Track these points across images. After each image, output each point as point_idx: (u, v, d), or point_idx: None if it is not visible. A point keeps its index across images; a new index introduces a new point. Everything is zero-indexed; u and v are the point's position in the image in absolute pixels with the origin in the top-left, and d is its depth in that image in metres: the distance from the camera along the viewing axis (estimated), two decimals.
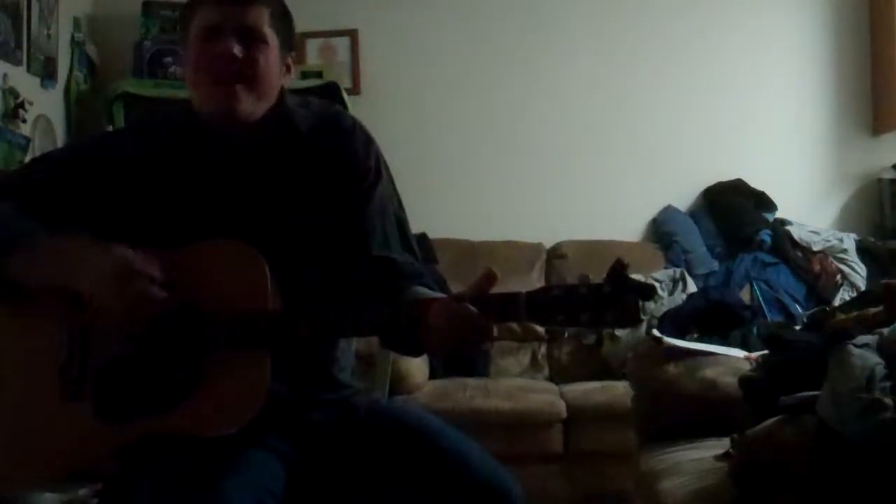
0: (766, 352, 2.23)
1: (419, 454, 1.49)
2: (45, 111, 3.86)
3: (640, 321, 1.37)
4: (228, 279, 1.48)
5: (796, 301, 4.23)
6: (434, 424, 1.56)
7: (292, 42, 1.63)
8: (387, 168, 1.68)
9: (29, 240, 1.48)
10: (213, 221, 1.53)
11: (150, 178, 1.57)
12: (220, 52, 1.51)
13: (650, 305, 4.13)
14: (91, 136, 1.83)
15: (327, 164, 1.61)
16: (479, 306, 1.38)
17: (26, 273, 1.49)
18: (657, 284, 4.20)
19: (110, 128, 4.04)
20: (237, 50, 1.52)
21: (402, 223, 1.68)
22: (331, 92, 4.12)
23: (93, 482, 1.59)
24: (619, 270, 1.34)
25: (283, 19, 1.59)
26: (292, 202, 1.59)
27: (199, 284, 1.48)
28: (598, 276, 1.38)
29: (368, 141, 1.66)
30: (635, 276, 1.37)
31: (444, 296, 1.48)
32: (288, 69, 1.62)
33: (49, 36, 3.91)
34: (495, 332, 1.42)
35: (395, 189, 1.69)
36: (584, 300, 1.33)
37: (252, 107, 1.55)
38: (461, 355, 1.56)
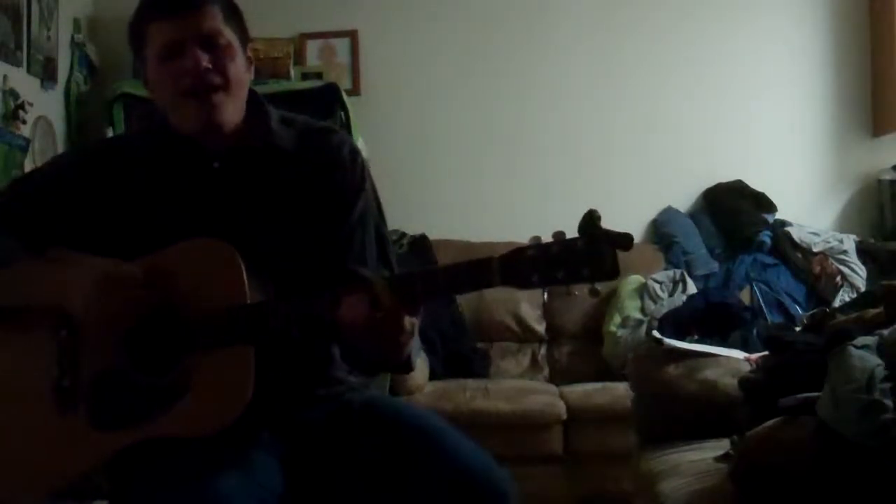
0: (766, 353, 2.23)
1: (414, 450, 1.49)
2: (45, 112, 3.86)
3: (618, 273, 1.30)
4: (205, 278, 1.48)
5: (796, 302, 4.23)
6: (430, 421, 1.56)
7: (247, 36, 1.61)
8: (371, 182, 1.68)
9: (10, 260, 1.50)
10: (192, 233, 1.52)
11: (129, 194, 1.57)
12: (189, 67, 1.50)
13: (651, 306, 4.13)
14: (69, 153, 1.84)
15: (312, 177, 1.61)
16: (449, 277, 1.36)
17: (9, 292, 1.51)
18: (657, 286, 4.20)
19: (110, 129, 4.04)
20: (205, 60, 1.50)
21: (382, 238, 1.67)
22: (330, 93, 4.12)
23: (87, 501, 1.59)
24: (591, 222, 1.30)
25: (235, 15, 1.57)
26: (272, 214, 1.58)
27: (177, 286, 1.48)
28: None
29: (355, 155, 1.66)
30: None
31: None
32: (250, 62, 1.61)
33: (49, 37, 3.91)
34: (411, 324, 1.39)
35: (378, 203, 1.69)
36: (558, 257, 1.29)
37: (232, 113, 1.55)
38: (386, 351, 1.48)
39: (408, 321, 1.39)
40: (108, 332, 1.47)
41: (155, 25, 1.51)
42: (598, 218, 1.30)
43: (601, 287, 1.35)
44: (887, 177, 4.48)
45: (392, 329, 1.39)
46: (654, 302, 4.14)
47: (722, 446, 2.07)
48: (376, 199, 1.69)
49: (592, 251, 1.28)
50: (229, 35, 1.54)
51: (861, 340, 1.75)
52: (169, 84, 1.52)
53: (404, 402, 1.73)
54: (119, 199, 1.57)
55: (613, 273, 1.29)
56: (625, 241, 1.29)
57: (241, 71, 1.55)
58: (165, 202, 1.57)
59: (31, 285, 1.51)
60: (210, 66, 1.50)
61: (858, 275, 4.24)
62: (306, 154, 1.62)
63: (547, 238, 1.33)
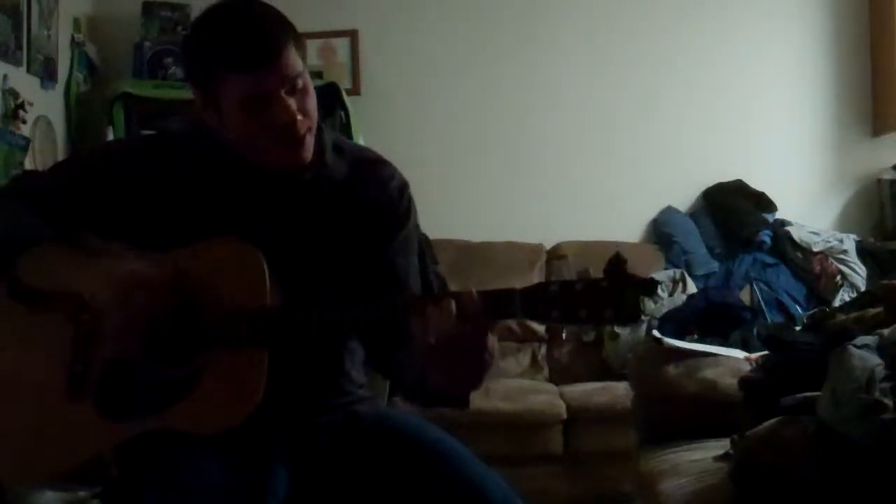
0: (766, 353, 2.23)
1: (431, 470, 1.49)
2: (45, 112, 3.86)
3: (641, 318, 1.30)
4: (227, 277, 1.47)
5: (796, 302, 4.23)
6: (449, 442, 1.55)
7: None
8: (416, 218, 1.68)
9: (40, 240, 1.49)
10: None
11: (168, 194, 1.56)
12: (283, 121, 1.46)
13: (650, 305, 4.13)
14: (105, 147, 1.82)
15: (356, 209, 1.60)
16: (472, 304, 1.35)
17: (34, 272, 1.50)
18: (657, 285, 4.20)
19: (110, 128, 4.05)
20: (296, 111, 1.47)
21: (425, 275, 1.69)
22: (331, 93, 4.12)
23: (94, 485, 1.59)
24: (617, 265, 1.28)
25: (300, 40, 1.51)
26: (306, 238, 1.57)
27: (199, 283, 1.47)
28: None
29: (402, 189, 1.65)
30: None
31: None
32: None
33: (49, 36, 3.91)
34: (495, 344, 1.36)
35: (422, 239, 1.68)
36: (581, 296, 1.27)
37: (312, 147, 1.54)
38: (460, 372, 1.45)
39: (492, 339, 1.36)
40: (127, 322, 1.47)
41: (239, 77, 1.44)
42: (625, 261, 1.28)
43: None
44: (887, 177, 4.48)
45: (477, 343, 1.34)
46: (654, 302, 4.14)
47: (722, 446, 2.07)
48: (417, 227, 1.68)
49: (616, 294, 1.26)
50: (303, 68, 1.50)
51: (861, 340, 1.75)
52: (255, 133, 1.49)
53: (410, 413, 1.72)
54: (156, 198, 1.55)
55: (635, 317, 1.27)
56: (649, 286, 1.28)
57: (315, 104, 1.52)
58: (202, 209, 1.55)
59: (56, 270, 1.50)
60: (300, 115, 1.48)
61: (858, 274, 4.24)
62: (354, 186, 1.60)
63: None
